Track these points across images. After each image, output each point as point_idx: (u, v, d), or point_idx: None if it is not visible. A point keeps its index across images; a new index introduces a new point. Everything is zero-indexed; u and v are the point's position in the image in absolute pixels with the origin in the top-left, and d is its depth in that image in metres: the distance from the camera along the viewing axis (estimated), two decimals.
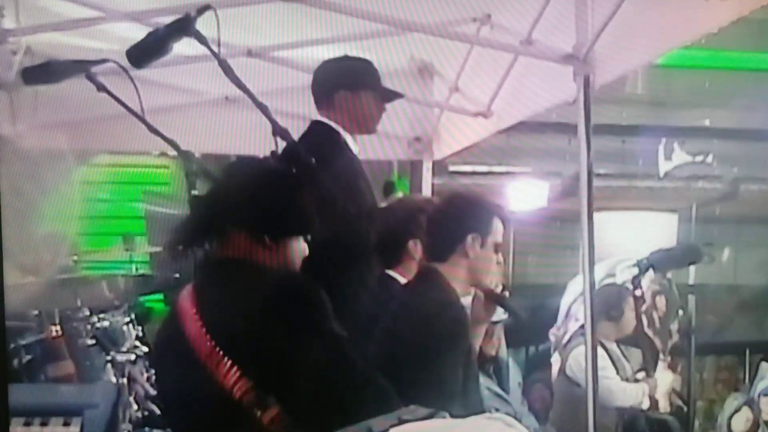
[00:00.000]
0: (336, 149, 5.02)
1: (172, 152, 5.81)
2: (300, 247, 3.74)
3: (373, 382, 3.56)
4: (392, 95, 5.39)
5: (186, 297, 3.60)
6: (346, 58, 5.46)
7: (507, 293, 4.68)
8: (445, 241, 4.52)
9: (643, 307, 7.59)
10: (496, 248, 4.52)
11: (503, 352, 5.83)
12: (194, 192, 4.30)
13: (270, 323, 3.37)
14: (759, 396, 8.38)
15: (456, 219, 4.58)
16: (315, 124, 5.21)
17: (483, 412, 4.62)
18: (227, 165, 4.56)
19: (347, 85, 5.19)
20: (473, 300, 4.63)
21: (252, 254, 3.60)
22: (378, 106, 5.24)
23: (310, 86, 5.30)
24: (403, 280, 4.93)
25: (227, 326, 3.44)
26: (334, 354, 3.45)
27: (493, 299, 4.62)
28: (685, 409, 7.44)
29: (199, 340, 3.44)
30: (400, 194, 6.23)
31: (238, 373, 3.36)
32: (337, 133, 5.13)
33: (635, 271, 7.07)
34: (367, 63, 5.33)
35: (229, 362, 3.37)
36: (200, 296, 3.58)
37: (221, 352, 3.39)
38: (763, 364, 9.21)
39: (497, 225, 4.53)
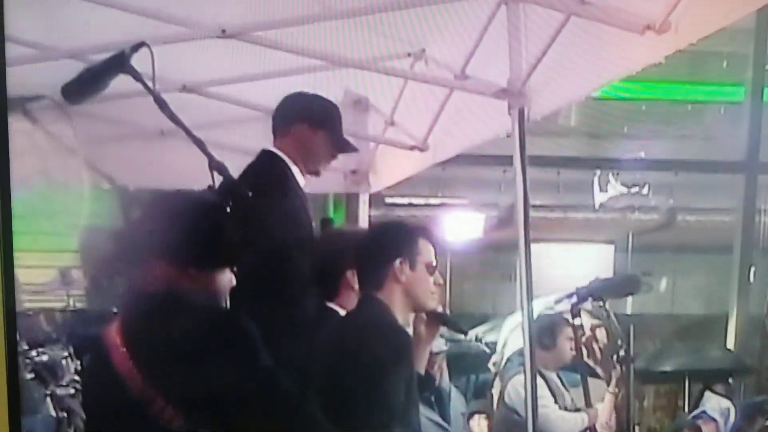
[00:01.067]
0: (280, 179, 5.01)
1: (107, 185, 5.79)
2: (226, 277, 3.71)
3: (304, 412, 3.57)
4: (346, 147, 5.36)
5: (113, 331, 3.55)
6: (317, 96, 5.40)
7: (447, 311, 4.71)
8: (376, 269, 4.50)
9: (583, 338, 7.64)
10: (429, 269, 4.50)
11: (445, 381, 5.83)
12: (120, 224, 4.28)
13: (197, 356, 3.35)
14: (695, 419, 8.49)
15: (381, 245, 4.58)
16: (264, 154, 5.18)
17: None
18: (152, 197, 4.54)
19: (310, 120, 5.16)
20: (414, 320, 4.63)
21: (176, 285, 3.56)
22: (330, 151, 5.21)
23: (272, 114, 5.28)
24: (343, 312, 4.93)
25: (156, 360, 3.42)
26: (262, 385, 3.44)
27: (434, 318, 4.65)
28: None
29: (130, 375, 3.41)
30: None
31: (170, 407, 3.35)
32: (285, 163, 5.10)
33: (573, 300, 7.14)
34: (335, 108, 5.32)
35: (161, 398, 3.36)
36: (127, 330, 3.53)
37: (153, 388, 3.37)
38: (707, 393, 9.31)
39: (424, 246, 4.52)
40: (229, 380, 3.37)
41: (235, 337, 3.46)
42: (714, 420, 8.50)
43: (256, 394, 3.41)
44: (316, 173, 5.22)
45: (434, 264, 4.53)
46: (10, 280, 2.83)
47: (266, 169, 5.04)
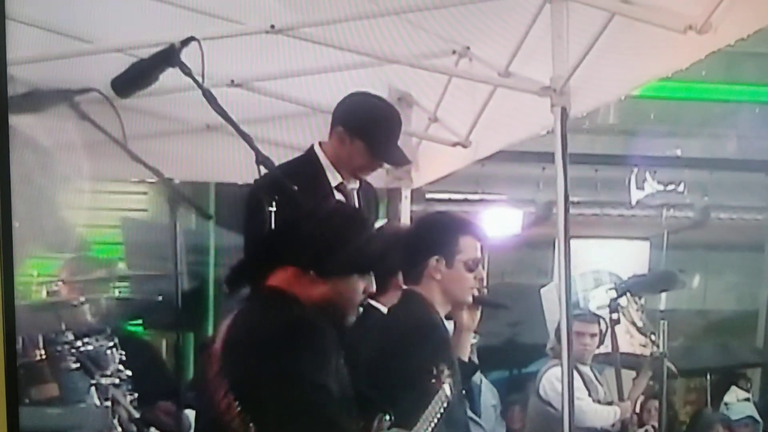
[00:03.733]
0: (310, 178, 4.95)
1: (151, 178, 5.89)
2: (355, 286, 3.77)
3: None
4: (390, 158, 5.28)
5: (228, 319, 3.69)
6: (370, 101, 5.29)
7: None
8: (414, 265, 4.59)
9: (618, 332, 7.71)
10: (469, 266, 4.57)
11: (476, 376, 5.88)
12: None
13: (270, 357, 3.46)
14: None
15: (419, 243, 4.66)
16: (308, 150, 5.21)
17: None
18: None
19: (345, 125, 5.08)
20: (453, 309, 4.70)
21: (295, 289, 3.66)
22: (368, 160, 5.09)
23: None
24: (384, 309, 4.98)
25: (232, 350, 3.55)
26: (307, 404, 3.49)
27: (474, 303, 4.71)
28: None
29: (213, 359, 3.56)
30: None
31: (231, 397, 3.46)
32: (319, 163, 5.11)
33: (612, 294, 7.22)
34: (383, 118, 5.20)
35: (227, 385, 3.47)
36: (235, 320, 3.67)
37: (223, 374, 3.50)
38: (733, 387, 9.38)
39: (465, 243, 4.58)
40: (289, 388, 3.46)
41: (304, 347, 3.52)
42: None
43: (298, 407, 3.47)
44: (356, 177, 5.15)
45: (477, 260, 4.59)
46: (9, 275, 2.89)
47: (299, 166, 5.05)
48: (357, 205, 5.14)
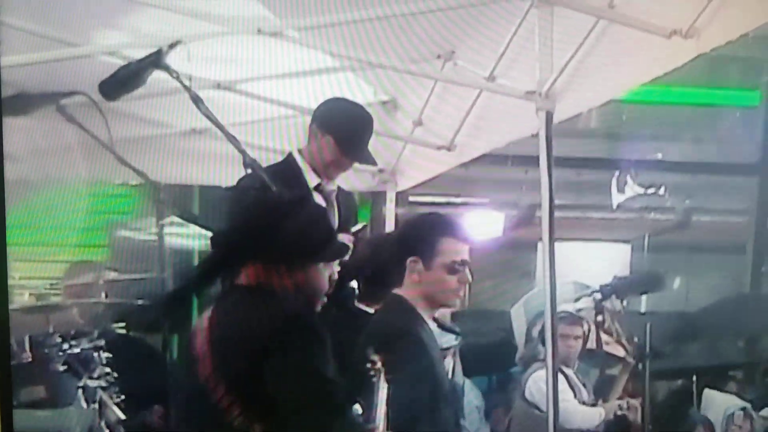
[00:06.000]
0: (288, 181, 5.00)
1: (136, 180, 5.89)
2: (322, 276, 3.78)
3: (347, 420, 3.65)
4: (359, 157, 5.39)
5: (206, 316, 3.70)
6: (344, 103, 5.47)
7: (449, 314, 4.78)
8: (393, 267, 4.57)
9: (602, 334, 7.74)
10: (450, 268, 4.50)
11: (458, 376, 5.90)
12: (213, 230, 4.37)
13: (266, 352, 3.45)
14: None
15: (398, 244, 4.66)
16: (287, 156, 5.32)
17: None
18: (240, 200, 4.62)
19: (319, 123, 5.25)
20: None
21: (272, 281, 3.67)
22: (336, 154, 5.22)
23: None
24: (371, 311, 5.00)
25: (229, 349, 3.53)
26: (321, 394, 3.49)
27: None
28: None
29: (204, 360, 3.54)
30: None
31: (231, 397, 3.45)
32: (296, 165, 5.23)
33: (598, 296, 7.24)
34: (357, 117, 5.37)
35: (225, 385, 3.46)
36: (215, 317, 3.67)
37: (220, 375, 3.48)
38: (713, 391, 9.40)
39: (447, 245, 4.51)
40: (291, 382, 3.45)
41: (304, 340, 3.51)
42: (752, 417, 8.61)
43: (313, 401, 3.47)
44: (328, 176, 5.27)
45: (459, 262, 4.52)
46: (3, 278, 2.89)
47: (279, 170, 5.06)
48: (336, 206, 5.25)
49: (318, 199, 5.11)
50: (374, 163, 5.54)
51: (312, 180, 5.20)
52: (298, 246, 3.70)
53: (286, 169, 5.15)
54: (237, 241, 3.77)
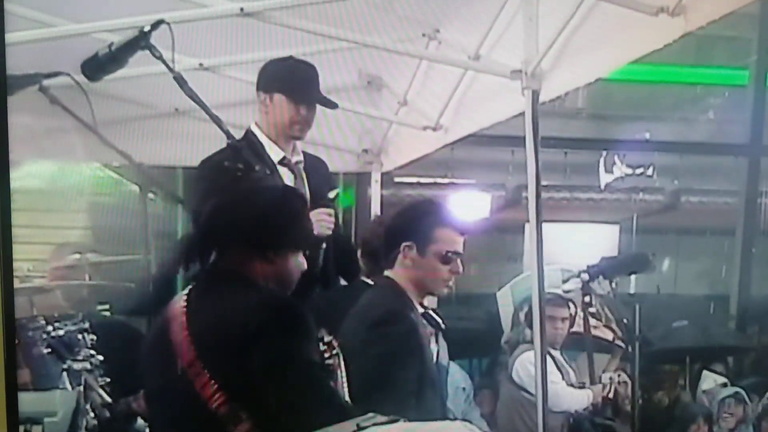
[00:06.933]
0: (248, 156, 4.89)
1: (119, 161, 5.84)
2: (296, 263, 3.75)
3: (340, 408, 3.54)
4: (308, 98, 5.20)
5: (180, 301, 3.63)
6: (276, 59, 5.34)
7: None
8: (387, 250, 4.60)
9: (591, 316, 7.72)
10: (443, 258, 4.51)
11: (444, 358, 5.88)
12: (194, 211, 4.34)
13: (250, 338, 3.38)
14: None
15: (394, 228, 4.67)
16: (247, 130, 5.22)
17: (444, 417, 4.69)
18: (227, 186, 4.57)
19: (262, 84, 5.20)
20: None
21: (248, 268, 3.63)
22: (292, 108, 5.11)
23: None
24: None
25: (210, 336, 3.48)
26: (306, 378, 3.46)
27: None
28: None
29: (183, 347, 3.48)
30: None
31: (216, 385, 3.39)
32: (255, 138, 5.15)
33: (585, 277, 7.21)
34: (293, 66, 5.24)
35: (208, 373, 3.40)
36: (191, 302, 3.61)
37: (202, 363, 3.42)
38: (705, 372, 9.40)
39: (443, 234, 4.53)
40: (276, 367, 3.40)
41: (294, 330, 3.48)
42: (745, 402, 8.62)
43: (298, 385, 3.43)
44: (294, 137, 5.18)
45: (453, 253, 4.54)
46: (8, 261, 2.86)
47: (241, 147, 4.93)
48: (305, 177, 5.18)
49: (285, 172, 5.12)
50: (333, 105, 5.38)
51: (276, 154, 5.12)
52: (263, 231, 3.66)
53: (248, 146, 5.01)
54: (205, 221, 3.72)
